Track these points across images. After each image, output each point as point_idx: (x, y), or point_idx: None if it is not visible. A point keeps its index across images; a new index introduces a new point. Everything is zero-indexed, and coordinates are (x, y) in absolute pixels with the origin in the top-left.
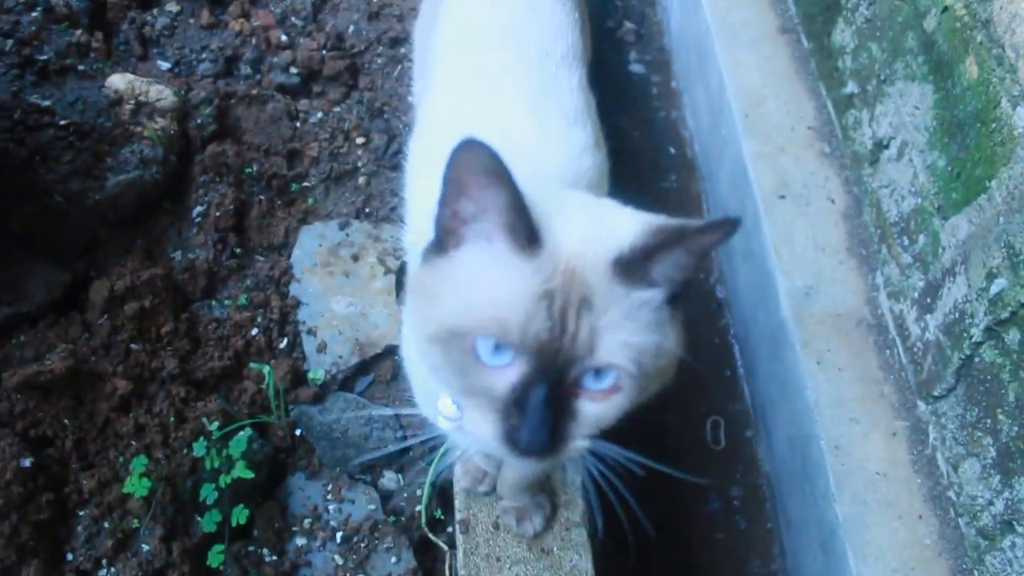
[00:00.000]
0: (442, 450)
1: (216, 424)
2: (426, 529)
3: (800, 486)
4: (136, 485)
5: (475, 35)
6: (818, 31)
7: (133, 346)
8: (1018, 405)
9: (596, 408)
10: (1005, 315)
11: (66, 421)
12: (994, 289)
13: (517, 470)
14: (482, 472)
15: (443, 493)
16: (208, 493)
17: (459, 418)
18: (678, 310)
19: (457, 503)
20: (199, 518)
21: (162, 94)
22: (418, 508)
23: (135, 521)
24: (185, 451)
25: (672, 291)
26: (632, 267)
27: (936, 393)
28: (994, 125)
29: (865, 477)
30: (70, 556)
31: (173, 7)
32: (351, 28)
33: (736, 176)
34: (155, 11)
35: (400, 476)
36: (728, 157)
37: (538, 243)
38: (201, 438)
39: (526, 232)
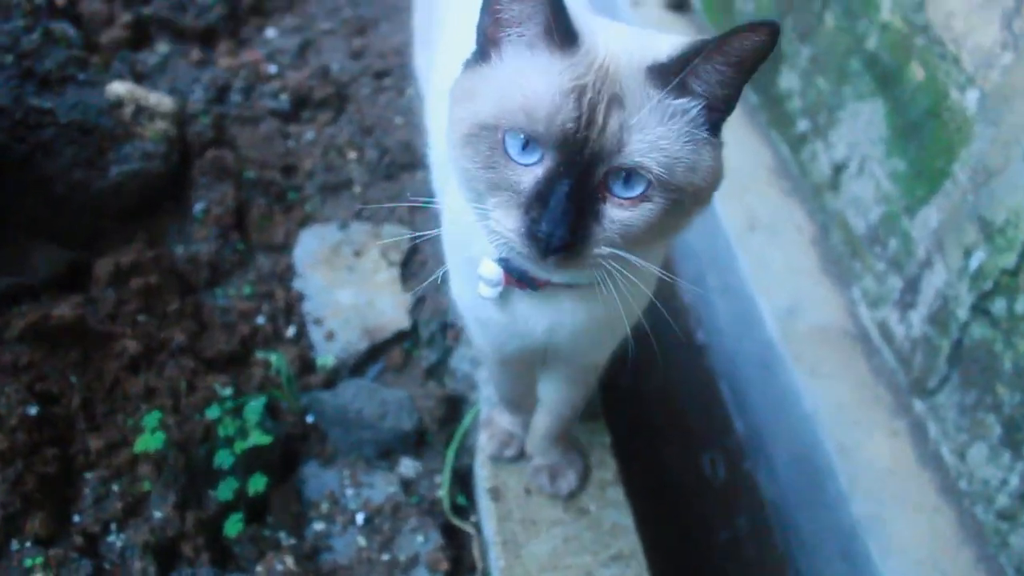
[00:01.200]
0: (460, 432)
1: (229, 391)
2: (450, 514)
3: (810, 498)
4: (149, 440)
5: None
6: (764, 83)
7: (140, 318)
8: (1016, 372)
9: (622, 214)
10: (988, 286)
11: (73, 378)
12: (974, 264)
13: (548, 411)
14: (508, 434)
15: (463, 481)
16: (224, 459)
17: (499, 282)
18: (719, 139)
19: (484, 472)
20: (212, 492)
21: (161, 100)
22: (439, 494)
23: (146, 483)
24: (198, 417)
25: (712, 107)
26: (668, 73)
27: (931, 387)
28: (947, 115)
29: (875, 475)
30: (77, 518)
31: (164, 48)
32: (336, 65)
33: (707, 221)
34: (146, 52)
35: (418, 463)
36: None
37: (575, 43)
38: (214, 404)
39: (563, 31)
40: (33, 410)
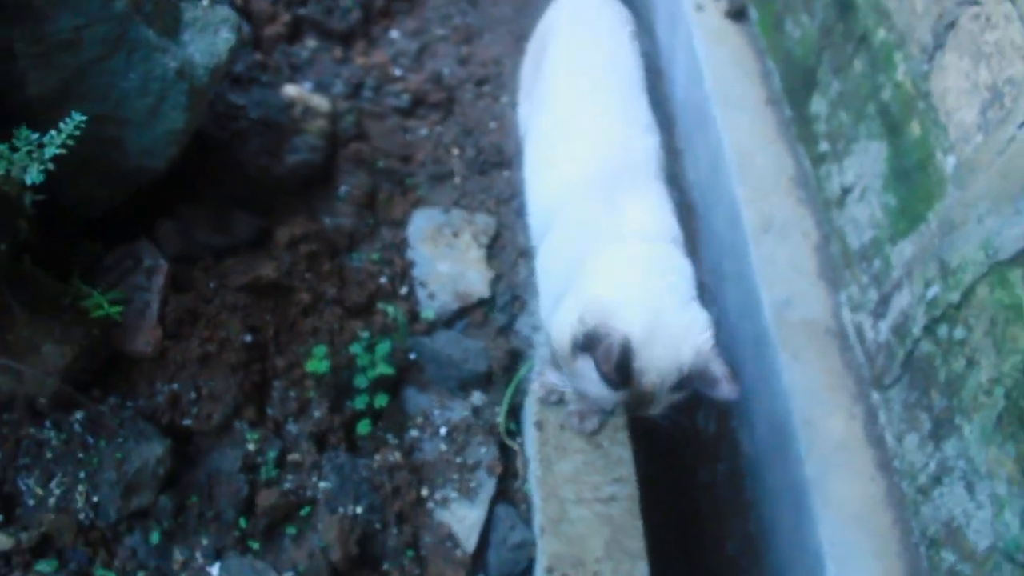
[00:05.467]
0: (517, 377)
1: (367, 334)
2: (504, 436)
3: (776, 457)
4: (318, 365)
5: (575, 72)
6: (798, 102)
7: (307, 275)
8: (947, 383)
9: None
10: (938, 314)
11: (268, 318)
12: (930, 295)
13: None
14: (554, 386)
15: (515, 413)
16: (360, 381)
17: None
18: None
19: (534, 409)
20: (350, 403)
21: (321, 102)
22: (498, 420)
23: (311, 392)
24: (344, 351)
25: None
26: (679, 386)
27: (886, 383)
28: (931, 171)
29: (829, 446)
30: (270, 411)
31: (312, 43)
32: (446, 70)
33: (730, 216)
34: (299, 46)
35: (485, 396)
36: (724, 201)
37: (627, 384)
38: (355, 343)
39: (618, 383)
40: (248, 338)
